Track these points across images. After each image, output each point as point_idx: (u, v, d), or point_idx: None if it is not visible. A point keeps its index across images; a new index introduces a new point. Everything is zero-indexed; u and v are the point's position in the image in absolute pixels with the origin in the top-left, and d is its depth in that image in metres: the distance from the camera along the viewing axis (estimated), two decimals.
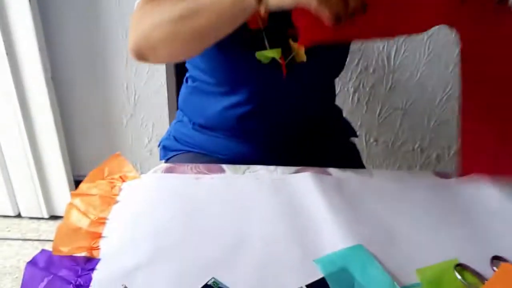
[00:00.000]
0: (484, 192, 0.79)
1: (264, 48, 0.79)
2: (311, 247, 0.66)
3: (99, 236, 0.67)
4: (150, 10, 0.72)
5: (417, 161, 1.84)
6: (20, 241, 1.69)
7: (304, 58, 0.81)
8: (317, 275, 0.62)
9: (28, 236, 1.72)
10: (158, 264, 0.63)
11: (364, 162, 1.09)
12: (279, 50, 0.79)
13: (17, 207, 1.76)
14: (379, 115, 1.72)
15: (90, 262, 0.63)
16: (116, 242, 0.66)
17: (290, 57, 0.82)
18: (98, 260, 0.63)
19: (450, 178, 0.84)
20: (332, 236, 0.68)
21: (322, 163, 0.97)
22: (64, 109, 1.66)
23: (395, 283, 0.61)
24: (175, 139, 1.05)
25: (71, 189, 1.71)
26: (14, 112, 1.53)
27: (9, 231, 1.74)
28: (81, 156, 1.77)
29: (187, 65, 1.00)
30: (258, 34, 0.79)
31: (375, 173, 0.84)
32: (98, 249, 0.65)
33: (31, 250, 1.65)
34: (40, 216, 1.77)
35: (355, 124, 1.74)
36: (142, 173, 0.80)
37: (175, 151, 1.04)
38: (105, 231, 0.68)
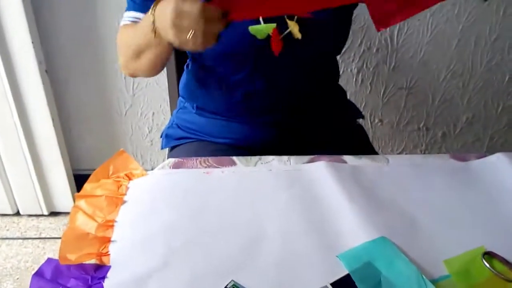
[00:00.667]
0: (505, 174, 0.76)
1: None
2: (333, 242, 0.63)
3: (108, 240, 0.64)
4: (120, 40, 0.85)
5: (423, 140, 1.81)
6: (20, 240, 1.65)
7: (299, 35, 0.78)
8: (341, 271, 0.59)
9: (28, 234, 1.67)
10: (172, 267, 0.59)
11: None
12: (273, 25, 0.75)
13: (15, 204, 1.72)
14: (383, 95, 1.68)
15: (100, 270, 0.59)
16: (126, 247, 0.63)
17: (286, 32, 0.80)
18: (109, 267, 0.59)
19: (468, 161, 0.80)
20: (353, 228, 0.65)
21: (329, 145, 0.94)
22: (60, 102, 1.61)
23: (423, 276, 0.57)
24: (178, 126, 1.02)
25: (70, 184, 1.67)
26: (9, 107, 1.48)
27: (8, 230, 1.69)
28: (80, 149, 1.72)
29: (187, 52, 0.96)
30: None
31: (391, 159, 0.80)
32: (107, 255, 0.61)
33: (32, 249, 1.60)
34: (39, 213, 1.73)
35: (360, 105, 1.70)
36: (143, 164, 0.78)
37: (179, 139, 1.00)
38: (114, 234, 0.65)
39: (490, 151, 1.83)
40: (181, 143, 1.00)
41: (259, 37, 0.75)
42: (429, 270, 0.59)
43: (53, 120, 1.52)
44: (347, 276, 0.58)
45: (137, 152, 1.73)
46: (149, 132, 1.68)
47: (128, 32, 0.83)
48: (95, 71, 1.57)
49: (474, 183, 0.75)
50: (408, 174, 0.77)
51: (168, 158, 1.01)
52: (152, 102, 1.62)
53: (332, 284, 0.57)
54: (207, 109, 0.96)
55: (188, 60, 0.99)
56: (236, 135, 0.94)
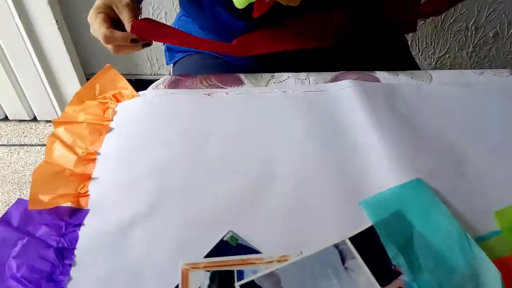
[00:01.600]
0: None
1: None
2: (356, 184, 0.52)
3: (88, 177, 0.54)
4: None
5: (471, 42, 1.60)
6: (39, 147, 1.60)
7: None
8: (364, 222, 0.48)
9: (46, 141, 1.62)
10: (161, 213, 0.50)
11: (409, 45, 0.88)
12: None
13: (31, 110, 1.65)
14: None
15: (76, 215, 0.50)
16: (108, 186, 0.53)
17: None
18: (86, 211, 0.50)
19: None
20: (382, 168, 0.53)
21: (362, 54, 0.77)
22: (65, 3, 1.47)
23: (466, 233, 0.46)
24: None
25: None
26: (12, 14, 1.35)
27: (25, 136, 1.64)
28: (92, 53, 1.60)
29: None
30: None
31: (434, 76, 0.65)
32: (87, 195, 0.52)
33: None
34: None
35: None
36: (159, 69, 0.65)
37: (182, 52, 0.86)
38: (96, 170, 0.55)
39: None
40: (183, 56, 0.86)
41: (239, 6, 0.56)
42: (475, 224, 0.48)
43: (57, 22, 1.39)
44: (371, 229, 0.48)
45: (152, 56, 1.60)
46: None
47: None
48: None
49: None
50: (455, 95, 0.62)
51: (172, 73, 0.88)
52: (163, 1, 1.44)
53: (351, 239, 0.47)
54: (208, 29, 0.79)
55: None
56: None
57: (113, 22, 0.63)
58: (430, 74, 0.65)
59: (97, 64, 1.65)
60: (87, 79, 1.58)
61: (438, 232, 0.47)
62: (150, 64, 1.63)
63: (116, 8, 0.63)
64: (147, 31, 0.63)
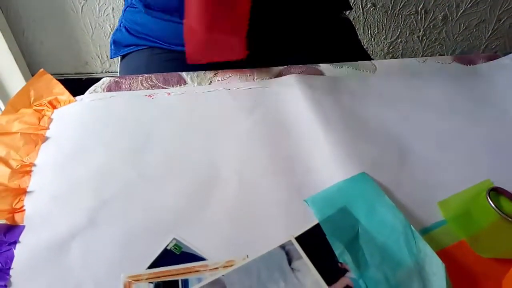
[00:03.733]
0: None
1: None
2: (301, 182, 0.51)
3: (23, 192, 0.51)
4: None
5: (421, 25, 1.62)
6: None
7: None
8: (311, 220, 0.47)
9: None
10: (101, 225, 0.47)
11: (361, 31, 0.89)
12: None
13: None
14: None
15: (10, 233, 0.47)
16: (45, 199, 0.50)
17: None
18: (22, 227, 0.48)
19: (476, 64, 0.65)
20: (328, 163, 0.52)
21: (307, 50, 0.77)
22: (7, 4, 1.40)
23: (411, 226, 0.46)
24: (127, 30, 0.84)
25: None
26: None
27: None
28: (38, 54, 1.54)
29: None
30: None
31: (378, 65, 0.65)
32: (22, 211, 0.49)
33: None
34: None
35: None
36: (111, 66, 0.62)
37: (129, 46, 0.83)
38: (31, 183, 0.52)
39: (497, 34, 1.66)
40: (132, 50, 0.83)
41: None
42: (420, 215, 0.48)
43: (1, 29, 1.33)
44: (317, 227, 0.47)
45: (102, 53, 1.55)
46: (111, 30, 1.48)
47: None
48: None
49: (483, 95, 0.61)
50: (399, 84, 0.62)
51: (119, 69, 0.85)
52: None
53: (297, 239, 0.46)
54: (157, 6, 0.77)
55: None
56: None
57: None
58: (374, 64, 0.65)
59: (45, 65, 1.60)
60: None
61: (383, 226, 0.46)
62: (101, 62, 1.59)
63: None
64: None
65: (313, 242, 0.46)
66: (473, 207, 0.48)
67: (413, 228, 0.45)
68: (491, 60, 0.65)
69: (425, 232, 0.46)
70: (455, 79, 0.62)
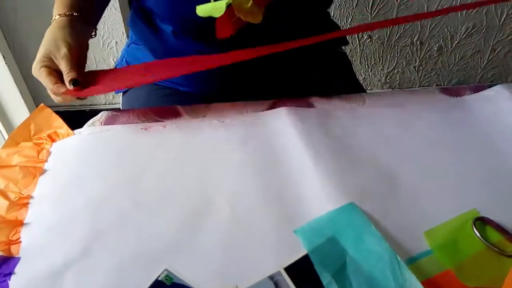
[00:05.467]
0: (504, 111, 0.63)
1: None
2: (292, 213, 0.52)
3: (20, 223, 0.53)
4: None
5: (417, 56, 1.65)
6: None
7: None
8: (299, 251, 0.48)
9: None
10: (94, 255, 0.49)
11: (358, 62, 0.91)
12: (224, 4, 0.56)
13: None
14: (371, 7, 1.50)
15: (6, 264, 0.48)
16: (41, 231, 0.52)
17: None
18: (18, 259, 0.49)
19: (462, 96, 0.67)
20: (318, 194, 0.53)
21: (303, 80, 0.79)
22: (12, 36, 1.44)
23: (396, 255, 0.47)
24: (128, 65, 0.87)
25: None
26: None
27: None
28: (45, 90, 1.57)
29: None
30: None
31: (367, 98, 0.67)
32: (18, 242, 0.51)
33: None
34: None
35: (345, 20, 1.52)
36: (114, 98, 0.64)
37: None
38: (28, 215, 0.53)
39: (492, 63, 1.69)
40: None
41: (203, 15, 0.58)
42: (407, 245, 0.49)
43: (4, 57, 1.37)
44: (306, 257, 0.48)
45: None
46: (114, 63, 1.52)
47: None
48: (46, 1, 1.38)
49: (469, 126, 0.62)
50: (387, 116, 0.64)
51: (121, 103, 0.88)
52: (113, 31, 1.44)
53: (286, 269, 0.47)
54: (160, 51, 0.80)
55: None
56: (195, 82, 0.79)
57: (58, 72, 0.62)
58: (364, 97, 0.67)
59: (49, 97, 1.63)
60: None
61: (370, 256, 0.47)
62: (104, 94, 1.62)
63: (55, 59, 0.61)
64: (88, 90, 0.61)
65: (302, 272, 0.47)
66: (459, 236, 0.49)
67: (399, 258, 0.46)
68: (477, 92, 0.67)
69: (412, 261, 0.47)
70: (442, 111, 0.64)
